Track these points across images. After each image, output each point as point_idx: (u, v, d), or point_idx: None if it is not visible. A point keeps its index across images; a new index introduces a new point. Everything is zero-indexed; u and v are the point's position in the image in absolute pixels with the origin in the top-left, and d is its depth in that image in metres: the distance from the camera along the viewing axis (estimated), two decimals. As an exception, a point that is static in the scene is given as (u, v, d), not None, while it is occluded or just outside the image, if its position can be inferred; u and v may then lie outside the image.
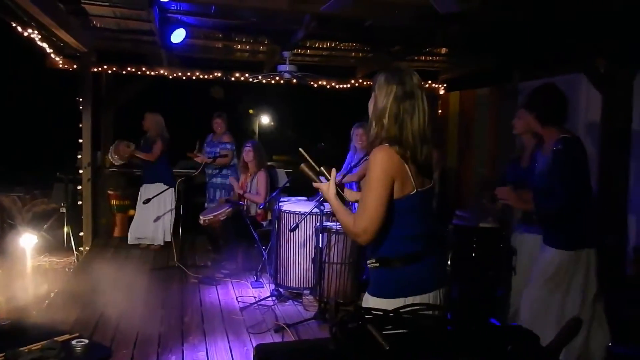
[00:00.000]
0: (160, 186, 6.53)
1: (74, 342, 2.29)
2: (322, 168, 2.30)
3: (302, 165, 2.28)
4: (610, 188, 5.05)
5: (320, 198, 4.56)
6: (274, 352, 1.21)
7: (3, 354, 2.13)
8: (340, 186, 2.29)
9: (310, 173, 2.27)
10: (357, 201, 2.38)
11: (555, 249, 3.12)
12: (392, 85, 2.11)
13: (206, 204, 6.76)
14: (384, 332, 1.12)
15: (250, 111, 13.73)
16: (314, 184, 2.32)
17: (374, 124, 2.14)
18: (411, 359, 1.07)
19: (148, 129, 6.79)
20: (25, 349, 2.23)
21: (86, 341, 2.30)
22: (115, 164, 6.86)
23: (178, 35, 5.66)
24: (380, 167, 2.05)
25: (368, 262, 2.21)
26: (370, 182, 2.07)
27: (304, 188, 5.73)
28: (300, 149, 2.36)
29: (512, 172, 3.93)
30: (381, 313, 1.21)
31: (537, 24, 5.03)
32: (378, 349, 1.07)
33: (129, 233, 6.91)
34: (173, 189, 6.56)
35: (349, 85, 8.08)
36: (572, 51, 5.43)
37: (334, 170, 2.29)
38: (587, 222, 3.12)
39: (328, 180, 2.27)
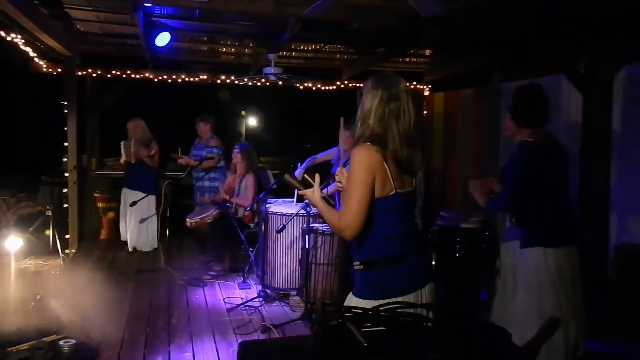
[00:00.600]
0: (140, 194, 6.53)
1: (61, 342, 2.32)
2: (305, 176, 2.41)
3: (286, 176, 2.41)
4: (592, 188, 5.14)
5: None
6: (256, 348, 1.25)
7: (-9, 355, 2.15)
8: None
9: (294, 182, 2.40)
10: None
11: (522, 248, 3.22)
12: (379, 89, 2.19)
13: (194, 207, 6.77)
14: (362, 330, 1.17)
15: (242, 113, 13.72)
16: (299, 192, 2.43)
17: (359, 124, 2.23)
18: (388, 355, 1.13)
19: (137, 136, 6.76)
20: (14, 349, 2.25)
21: (73, 341, 2.33)
22: (124, 158, 6.80)
23: (163, 39, 5.68)
24: (361, 163, 2.13)
25: (354, 264, 2.28)
26: (351, 179, 2.14)
27: (291, 190, 5.78)
28: (285, 176, 2.47)
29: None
30: (361, 311, 1.26)
31: (517, 25, 5.11)
32: (356, 345, 1.12)
33: (128, 239, 6.92)
34: (154, 196, 6.57)
35: (334, 87, 8.14)
36: (552, 52, 5.52)
37: (317, 176, 2.38)
38: (549, 222, 3.18)
39: (312, 186, 2.37)
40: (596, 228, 5.07)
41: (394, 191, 2.17)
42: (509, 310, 3.34)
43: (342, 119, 2.76)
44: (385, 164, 2.15)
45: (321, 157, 5.80)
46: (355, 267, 2.27)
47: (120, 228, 7.01)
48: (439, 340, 1.16)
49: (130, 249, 6.82)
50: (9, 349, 2.22)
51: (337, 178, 2.46)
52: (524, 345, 1.79)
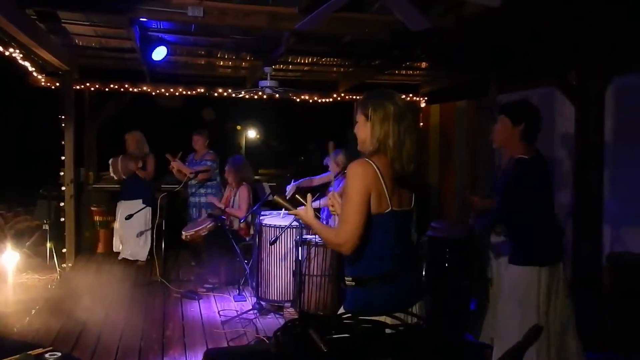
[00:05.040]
0: (139, 203, 6.57)
1: (47, 355, 2.33)
2: (296, 195, 2.42)
3: (276, 197, 2.42)
4: (586, 198, 5.14)
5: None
6: (220, 355, 1.27)
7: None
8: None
9: (284, 203, 2.42)
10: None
11: (513, 265, 3.21)
12: (389, 107, 2.18)
13: (188, 222, 6.78)
14: (326, 337, 1.19)
15: (238, 127, 13.79)
16: (289, 212, 2.43)
17: (378, 146, 2.19)
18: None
19: (132, 148, 6.80)
20: (-2, 363, 2.27)
21: (59, 354, 2.34)
22: (115, 177, 6.84)
23: (159, 53, 5.74)
24: (357, 179, 2.14)
25: (345, 279, 2.27)
26: (348, 194, 2.14)
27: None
28: (275, 197, 2.48)
29: (494, 184, 4.03)
30: (323, 318, 1.28)
31: (509, 38, 5.16)
32: (316, 351, 1.14)
33: (119, 248, 6.95)
34: (150, 208, 6.58)
35: (331, 99, 8.19)
36: (544, 65, 5.56)
37: (309, 196, 2.39)
38: (541, 240, 3.17)
39: (304, 205, 2.36)
40: (590, 237, 5.06)
41: (389, 208, 2.17)
42: (499, 326, 3.34)
43: (331, 143, 2.74)
44: (382, 180, 2.15)
45: (318, 179, 5.82)
46: (347, 283, 2.26)
47: (114, 240, 7.02)
48: (397, 346, 1.18)
49: (120, 257, 6.85)
50: (-6, 362, 2.25)
51: (329, 202, 2.48)
52: (504, 354, 1.80)
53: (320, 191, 5.51)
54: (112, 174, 6.87)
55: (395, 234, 2.21)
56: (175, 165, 6.54)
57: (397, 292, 2.19)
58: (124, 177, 6.76)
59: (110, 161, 6.81)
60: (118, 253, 6.98)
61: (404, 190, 2.22)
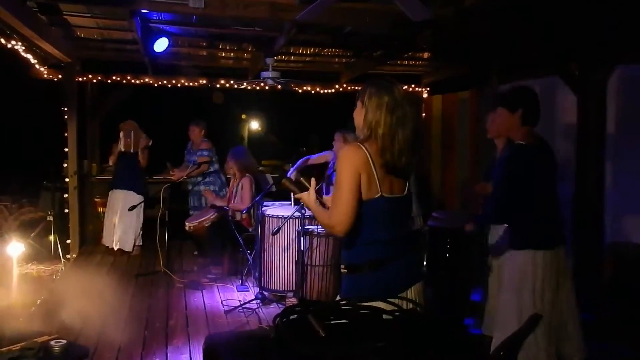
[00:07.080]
0: (131, 193, 6.58)
1: (52, 342, 2.37)
2: (301, 179, 2.47)
3: (284, 181, 2.49)
4: (587, 188, 5.15)
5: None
6: (221, 340, 1.30)
7: (-18, 355, 2.21)
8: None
9: (291, 187, 2.47)
10: None
11: (512, 249, 3.22)
12: (383, 97, 2.21)
13: (190, 212, 6.81)
14: (325, 322, 1.21)
15: (243, 116, 13.78)
16: (295, 195, 2.49)
17: (369, 135, 2.23)
18: (343, 344, 1.17)
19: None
20: (5, 350, 2.31)
21: (64, 341, 2.37)
22: (122, 146, 6.72)
23: (161, 44, 5.75)
24: (346, 161, 2.19)
25: (340, 267, 2.32)
26: (339, 177, 2.19)
27: (288, 192, 5.83)
28: (283, 180, 2.53)
29: (487, 173, 4.04)
30: (323, 305, 1.30)
31: (511, 29, 5.15)
32: (315, 336, 1.17)
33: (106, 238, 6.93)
34: (143, 198, 6.54)
35: (333, 90, 8.19)
36: (546, 54, 5.55)
37: (313, 180, 2.43)
38: (539, 225, 3.18)
39: (308, 189, 2.40)
40: (591, 228, 5.08)
41: (379, 194, 2.20)
42: (500, 313, 3.35)
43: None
44: (372, 165, 2.18)
45: (314, 159, 5.86)
46: (341, 270, 2.31)
47: (105, 230, 6.93)
48: (393, 332, 1.21)
49: (114, 247, 6.82)
50: (0, 349, 2.28)
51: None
52: (501, 343, 1.82)
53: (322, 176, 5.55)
54: (121, 141, 6.67)
55: (385, 220, 2.24)
56: (176, 177, 6.56)
57: (391, 277, 2.22)
58: (131, 150, 6.64)
59: (122, 128, 6.67)
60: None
61: (396, 178, 2.25)
